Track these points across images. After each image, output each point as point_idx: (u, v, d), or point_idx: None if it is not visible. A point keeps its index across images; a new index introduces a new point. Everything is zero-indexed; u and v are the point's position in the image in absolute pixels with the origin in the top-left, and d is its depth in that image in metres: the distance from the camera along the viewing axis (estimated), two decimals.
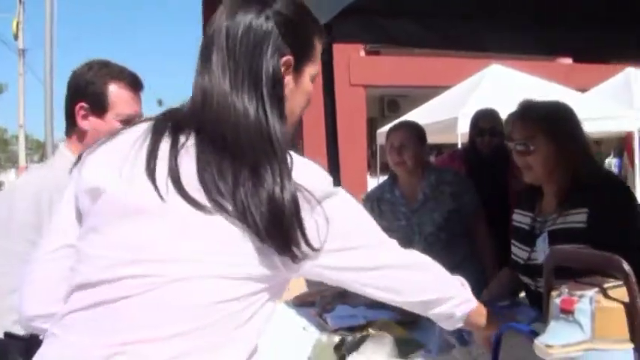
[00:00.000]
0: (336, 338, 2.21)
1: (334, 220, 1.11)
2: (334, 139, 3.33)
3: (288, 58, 1.14)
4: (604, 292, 1.01)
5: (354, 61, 13.23)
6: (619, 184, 2.15)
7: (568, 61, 12.42)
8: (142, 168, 1.07)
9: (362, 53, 13.86)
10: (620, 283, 1.01)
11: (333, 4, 2.78)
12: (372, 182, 12.42)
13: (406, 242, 2.96)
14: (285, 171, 1.05)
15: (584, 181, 2.01)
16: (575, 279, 1.09)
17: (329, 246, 1.11)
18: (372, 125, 14.56)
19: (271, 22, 1.13)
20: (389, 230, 3.05)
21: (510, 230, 2.37)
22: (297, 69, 1.18)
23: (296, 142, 14.00)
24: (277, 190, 1.03)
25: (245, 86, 1.09)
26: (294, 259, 1.07)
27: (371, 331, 2.01)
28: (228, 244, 1.04)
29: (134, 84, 2.03)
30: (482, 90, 9.14)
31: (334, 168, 3.34)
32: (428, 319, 2.59)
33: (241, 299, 1.05)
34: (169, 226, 1.04)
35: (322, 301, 2.67)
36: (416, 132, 3.03)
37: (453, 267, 2.87)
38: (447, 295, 1.37)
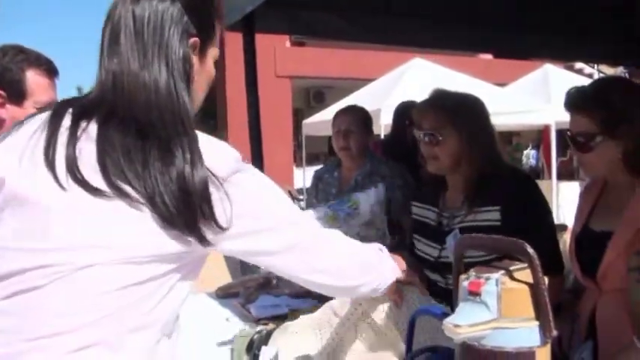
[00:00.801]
0: (259, 328, 2.22)
1: (240, 199, 1.09)
2: (257, 131, 3.32)
3: (195, 39, 1.16)
4: (509, 274, 1.06)
5: (280, 52, 13.22)
6: (527, 179, 2.13)
7: (488, 56, 12.81)
8: (41, 158, 1.05)
9: (287, 44, 13.84)
10: (525, 265, 1.06)
11: None
12: (298, 173, 12.46)
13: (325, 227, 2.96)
14: (195, 149, 1.05)
15: (490, 175, 2.00)
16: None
17: (239, 225, 1.09)
18: (298, 116, 14.59)
19: (177, 5, 1.14)
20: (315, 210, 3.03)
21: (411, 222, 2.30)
22: (202, 51, 1.19)
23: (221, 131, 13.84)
24: (187, 168, 1.02)
25: (155, 65, 1.09)
26: (202, 240, 1.06)
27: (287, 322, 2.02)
28: (130, 227, 1.02)
29: (51, 70, 1.98)
30: (404, 83, 9.31)
31: (257, 159, 3.33)
32: None
33: (149, 282, 1.04)
34: (69, 214, 1.02)
35: (246, 292, 2.67)
36: (363, 117, 3.03)
37: None
38: (372, 276, 1.40)
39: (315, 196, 3.16)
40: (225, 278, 4.44)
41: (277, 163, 9.92)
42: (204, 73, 1.22)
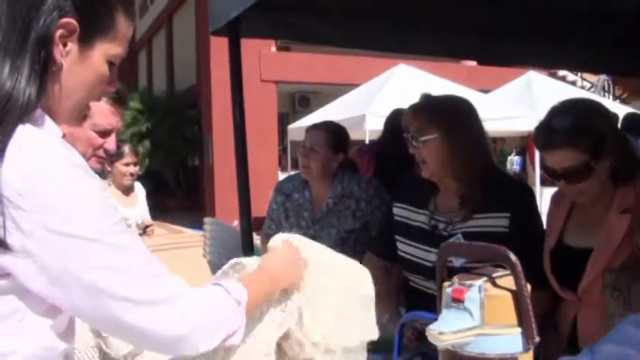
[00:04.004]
0: None
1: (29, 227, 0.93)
2: (242, 135, 3.31)
3: (68, 20, 1.01)
4: (492, 281, 1.07)
5: (265, 57, 13.22)
6: (525, 185, 2.12)
7: (472, 63, 12.90)
8: None
9: (273, 49, 13.85)
10: (508, 272, 1.07)
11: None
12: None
13: None
14: None
15: (491, 180, 1.97)
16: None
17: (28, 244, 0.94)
18: (283, 121, 14.60)
19: None
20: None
21: (394, 226, 2.23)
22: (86, 41, 1.05)
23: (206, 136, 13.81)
24: None
25: (12, 42, 0.98)
26: None
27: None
28: None
29: (116, 99, 1.92)
30: (389, 89, 9.37)
31: (242, 164, 3.32)
32: None
33: None
34: None
35: None
36: (332, 137, 2.78)
37: None
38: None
39: (284, 217, 2.92)
40: (206, 276, 4.44)
41: (262, 168, 9.92)
42: (85, 67, 1.06)
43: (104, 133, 1.88)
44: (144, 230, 4.13)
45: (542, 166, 1.83)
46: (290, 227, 2.86)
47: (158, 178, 16.89)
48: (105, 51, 1.08)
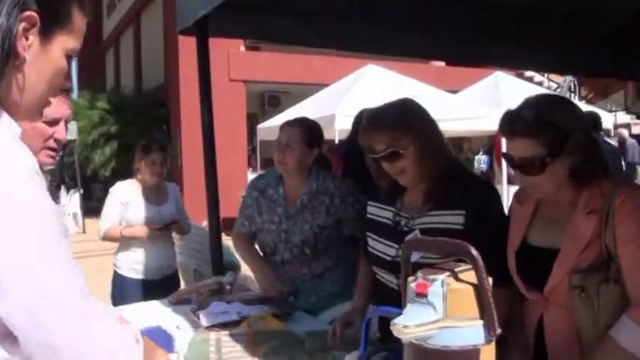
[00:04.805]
0: (212, 335, 2.22)
1: None
2: (211, 135, 3.30)
3: (30, 14, 1.02)
4: (455, 276, 1.09)
5: (234, 56, 13.17)
6: (488, 185, 2.13)
7: (441, 64, 13.02)
8: None
9: (242, 48, 13.81)
10: (470, 267, 1.10)
11: None
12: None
13: (272, 248, 2.84)
14: None
15: (452, 177, 2.00)
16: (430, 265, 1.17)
17: None
18: (253, 121, 14.56)
19: None
20: (261, 231, 2.89)
21: (365, 222, 2.30)
22: (46, 34, 1.06)
23: (174, 137, 13.69)
24: None
25: None
26: None
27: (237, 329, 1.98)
28: None
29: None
30: (358, 89, 9.42)
31: (211, 165, 3.32)
32: (302, 312, 2.65)
33: None
34: None
35: (197, 298, 2.66)
36: (307, 133, 2.81)
37: (315, 276, 2.88)
38: None
39: (258, 213, 2.91)
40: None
41: (231, 168, 9.89)
42: (46, 61, 1.08)
43: (52, 123, 1.85)
44: (166, 226, 4.01)
45: (503, 153, 1.84)
46: (263, 223, 2.87)
47: (125, 179, 16.66)
48: (63, 44, 1.09)
